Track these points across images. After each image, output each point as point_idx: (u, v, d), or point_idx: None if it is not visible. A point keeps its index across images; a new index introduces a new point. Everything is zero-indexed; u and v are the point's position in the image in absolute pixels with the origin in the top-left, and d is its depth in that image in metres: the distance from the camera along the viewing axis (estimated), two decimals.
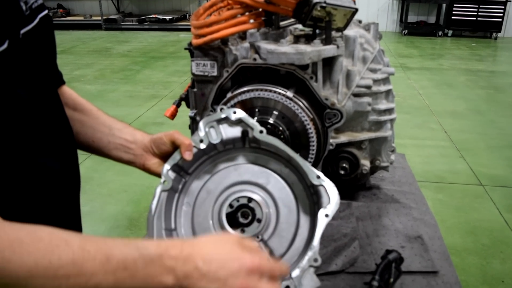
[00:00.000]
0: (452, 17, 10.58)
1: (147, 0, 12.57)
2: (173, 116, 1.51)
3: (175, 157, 1.07)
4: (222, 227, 1.05)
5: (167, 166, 1.06)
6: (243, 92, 1.25)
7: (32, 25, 0.99)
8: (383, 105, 1.39)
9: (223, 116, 1.06)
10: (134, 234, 3.24)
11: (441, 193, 3.79)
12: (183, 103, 1.51)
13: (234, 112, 1.05)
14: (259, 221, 1.03)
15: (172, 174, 1.06)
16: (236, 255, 0.78)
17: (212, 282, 0.74)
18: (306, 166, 1.01)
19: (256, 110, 1.26)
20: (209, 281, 0.74)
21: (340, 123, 1.32)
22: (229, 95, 1.29)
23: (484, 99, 6.24)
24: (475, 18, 10.44)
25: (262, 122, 1.26)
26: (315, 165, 1.34)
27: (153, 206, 1.03)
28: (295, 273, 0.91)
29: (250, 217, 1.04)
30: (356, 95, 1.34)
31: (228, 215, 1.05)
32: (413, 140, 4.76)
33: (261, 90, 1.24)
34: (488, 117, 5.51)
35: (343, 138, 1.38)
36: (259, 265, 0.78)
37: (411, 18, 11.27)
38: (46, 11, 1.07)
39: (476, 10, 10.37)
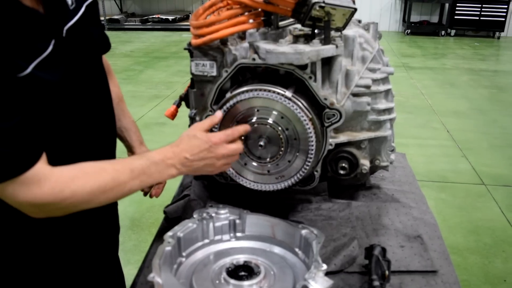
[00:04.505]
0: (455, 17, 10.56)
1: (150, 0, 12.59)
2: (173, 116, 1.51)
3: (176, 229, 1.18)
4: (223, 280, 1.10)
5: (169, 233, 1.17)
6: (242, 92, 1.25)
7: (76, 18, 1.01)
8: (382, 104, 1.39)
9: None
10: (136, 234, 3.25)
11: (444, 192, 3.78)
12: (183, 103, 1.51)
13: None
14: (257, 274, 1.10)
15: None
16: (206, 140, 1.16)
17: (200, 161, 1.15)
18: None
19: (256, 110, 1.27)
20: (198, 161, 1.15)
21: (339, 123, 1.32)
22: (228, 95, 1.29)
23: (487, 98, 6.22)
24: (478, 18, 10.42)
25: (261, 122, 1.27)
26: (314, 165, 1.34)
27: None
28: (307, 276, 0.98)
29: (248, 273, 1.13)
30: (355, 94, 1.34)
31: (228, 272, 1.12)
32: (415, 139, 4.75)
33: (260, 90, 1.24)
34: (491, 117, 5.50)
35: (342, 137, 1.38)
36: (221, 138, 1.17)
37: (414, 18, 11.24)
38: None
39: (479, 9, 10.34)
